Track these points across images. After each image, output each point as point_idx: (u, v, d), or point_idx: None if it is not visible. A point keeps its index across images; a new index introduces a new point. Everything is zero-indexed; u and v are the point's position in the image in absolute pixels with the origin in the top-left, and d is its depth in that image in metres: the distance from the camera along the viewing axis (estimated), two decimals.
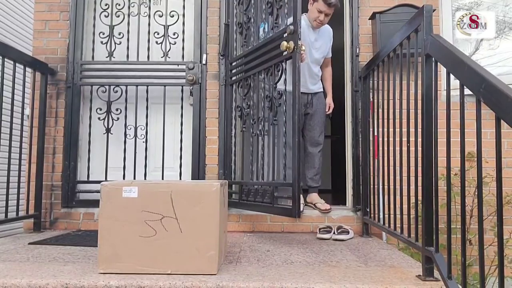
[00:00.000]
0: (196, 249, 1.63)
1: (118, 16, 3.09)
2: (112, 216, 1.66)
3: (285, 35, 2.38)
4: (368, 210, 2.69)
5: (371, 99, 2.71)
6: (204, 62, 3.08)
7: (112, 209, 1.66)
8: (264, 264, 1.86)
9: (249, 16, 2.83)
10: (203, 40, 3.10)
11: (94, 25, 3.09)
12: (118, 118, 3.04)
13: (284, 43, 2.31)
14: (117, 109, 3.04)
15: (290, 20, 2.36)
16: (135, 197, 1.65)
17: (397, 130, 2.12)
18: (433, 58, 1.67)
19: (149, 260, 1.63)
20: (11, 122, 2.64)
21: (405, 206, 1.99)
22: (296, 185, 2.20)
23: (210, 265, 1.63)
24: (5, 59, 2.55)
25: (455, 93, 1.48)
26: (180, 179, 2.97)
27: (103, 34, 3.08)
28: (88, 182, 3.00)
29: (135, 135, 3.01)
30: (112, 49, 3.07)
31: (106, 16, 3.10)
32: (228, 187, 2.65)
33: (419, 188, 1.78)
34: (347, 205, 3.08)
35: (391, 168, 2.19)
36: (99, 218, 1.68)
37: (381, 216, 2.54)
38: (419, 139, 1.78)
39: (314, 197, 3.07)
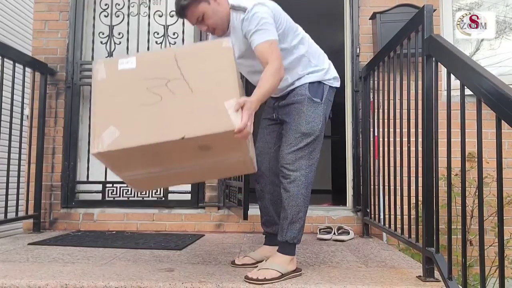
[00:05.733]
0: (213, 102, 1.33)
1: (118, 16, 3.09)
2: (107, 90, 1.40)
3: None
4: (369, 210, 2.69)
5: (372, 99, 2.71)
6: None
7: (107, 84, 1.40)
8: None
9: None
10: (203, 40, 3.09)
11: (93, 25, 3.08)
12: None
13: None
14: None
15: None
16: (133, 68, 1.40)
17: (398, 130, 2.12)
18: (434, 58, 1.67)
19: (156, 128, 1.32)
20: (11, 122, 2.63)
21: (405, 207, 1.99)
22: (243, 188, 2.26)
23: (230, 117, 1.32)
24: (5, 59, 2.54)
25: (455, 93, 1.48)
26: None
27: (103, 34, 3.08)
28: (87, 182, 2.99)
29: None
30: (112, 49, 3.07)
31: (105, 16, 3.10)
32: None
33: (420, 189, 1.78)
34: (347, 205, 3.07)
35: (392, 168, 2.18)
36: (93, 93, 1.41)
37: (382, 217, 2.53)
38: (420, 139, 1.78)
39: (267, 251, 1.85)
